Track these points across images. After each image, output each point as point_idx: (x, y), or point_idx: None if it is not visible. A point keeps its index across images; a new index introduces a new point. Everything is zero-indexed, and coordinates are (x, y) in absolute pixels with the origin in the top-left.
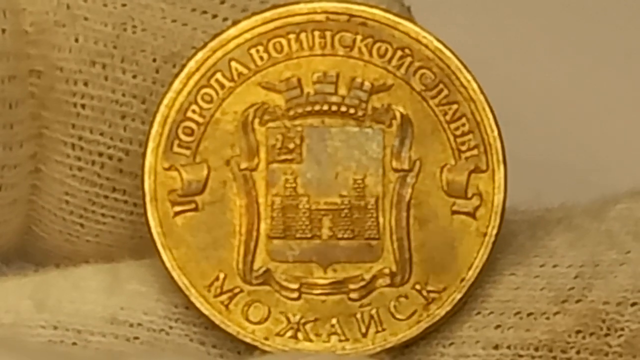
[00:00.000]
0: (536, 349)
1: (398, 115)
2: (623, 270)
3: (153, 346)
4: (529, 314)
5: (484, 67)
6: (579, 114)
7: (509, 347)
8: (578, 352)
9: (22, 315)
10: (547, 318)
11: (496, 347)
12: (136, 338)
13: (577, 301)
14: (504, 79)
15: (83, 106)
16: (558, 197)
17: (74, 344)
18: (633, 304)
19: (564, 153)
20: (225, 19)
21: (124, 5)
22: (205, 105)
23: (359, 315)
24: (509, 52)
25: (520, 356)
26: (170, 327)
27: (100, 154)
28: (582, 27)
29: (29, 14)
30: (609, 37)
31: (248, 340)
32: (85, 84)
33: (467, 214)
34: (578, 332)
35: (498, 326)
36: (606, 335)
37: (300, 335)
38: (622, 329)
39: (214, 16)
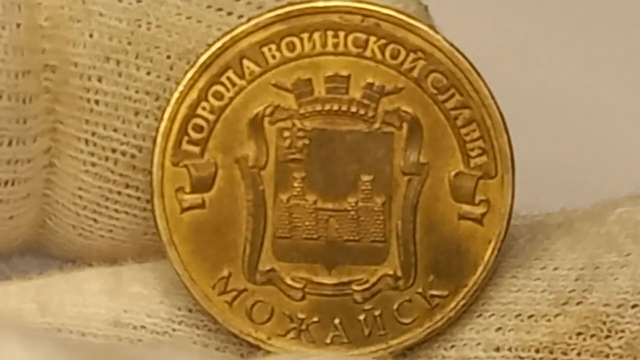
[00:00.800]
0: (537, 351)
1: (408, 118)
2: (623, 272)
3: None
4: (530, 316)
5: (486, 70)
6: (580, 119)
7: (510, 349)
8: (579, 354)
9: (26, 318)
10: (548, 320)
11: (497, 349)
12: (139, 340)
13: (578, 303)
14: (505, 81)
15: (97, 102)
16: (558, 202)
17: (89, 346)
18: (633, 306)
19: (565, 158)
20: (240, 16)
21: (139, 1)
22: (215, 103)
23: (362, 318)
24: (512, 58)
25: (521, 358)
26: (174, 330)
27: (114, 150)
28: (589, 34)
29: (44, 9)
30: (613, 45)
31: (250, 339)
32: (99, 80)
33: (473, 220)
34: (579, 334)
35: (499, 328)
36: (607, 337)
37: (303, 336)
38: (623, 331)
39: (229, 13)
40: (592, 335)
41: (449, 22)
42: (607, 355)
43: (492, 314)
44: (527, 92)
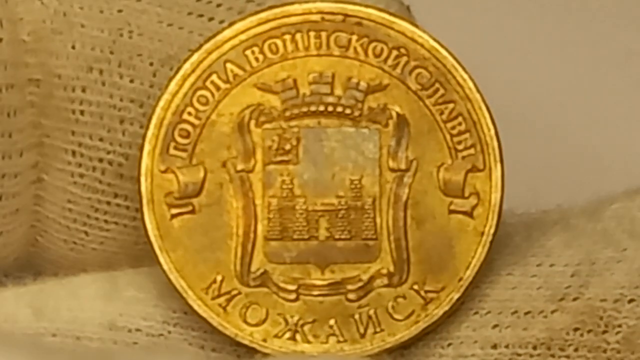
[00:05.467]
0: (534, 348)
1: (394, 115)
2: (619, 267)
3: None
4: (527, 313)
5: (480, 67)
6: (576, 115)
7: (507, 346)
8: (576, 350)
9: (21, 323)
10: (545, 316)
11: (494, 347)
12: (135, 343)
13: (574, 299)
14: (501, 79)
15: (82, 112)
16: (555, 198)
17: (74, 351)
18: (630, 301)
19: (561, 155)
20: (222, 22)
21: (120, 11)
22: (201, 107)
23: (357, 316)
24: (506, 52)
25: (519, 355)
26: (169, 332)
27: (101, 160)
28: (578, 26)
29: (26, 23)
30: (606, 36)
31: (246, 342)
32: (83, 90)
33: (464, 213)
34: (576, 329)
35: (496, 325)
36: (604, 332)
37: (298, 336)
38: (620, 326)
39: (211, 19)
40: (589, 331)
41: (436, 18)
42: (605, 351)
43: (489, 312)
44: (524, 90)
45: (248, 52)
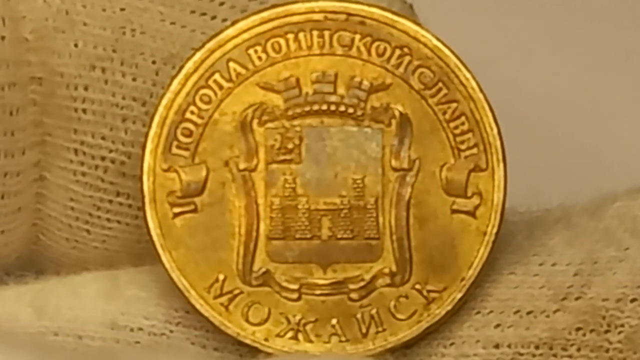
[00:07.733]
0: (536, 347)
1: (397, 114)
2: (622, 266)
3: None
4: (529, 312)
5: (483, 66)
6: (578, 114)
7: (509, 346)
8: (578, 349)
9: (22, 322)
10: (547, 316)
11: (497, 346)
12: (137, 342)
13: (577, 298)
14: (503, 79)
15: (84, 111)
16: (557, 197)
17: (75, 350)
18: (632, 300)
19: (563, 153)
20: (224, 20)
21: (122, 9)
22: (203, 106)
23: (359, 316)
24: (509, 51)
25: (521, 354)
26: (171, 331)
27: (103, 158)
28: (579, 25)
29: (28, 21)
30: (608, 37)
31: (248, 341)
32: (86, 89)
33: (467, 213)
34: (578, 329)
35: (498, 325)
36: (606, 331)
37: (300, 336)
38: (622, 325)
39: (213, 17)
40: (591, 330)
41: (439, 17)
42: (607, 350)
43: (491, 311)
44: (526, 89)
45: (251, 51)
